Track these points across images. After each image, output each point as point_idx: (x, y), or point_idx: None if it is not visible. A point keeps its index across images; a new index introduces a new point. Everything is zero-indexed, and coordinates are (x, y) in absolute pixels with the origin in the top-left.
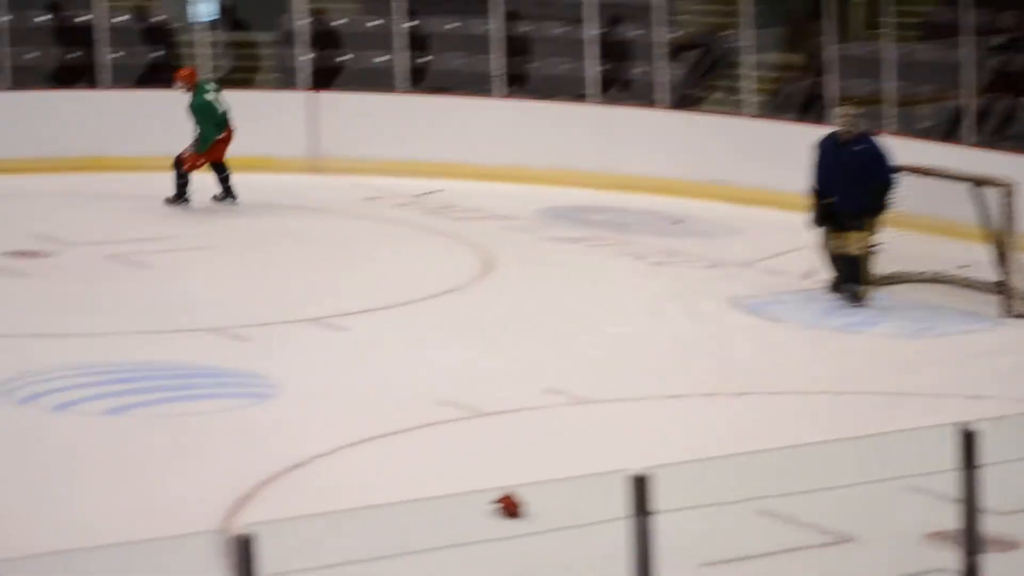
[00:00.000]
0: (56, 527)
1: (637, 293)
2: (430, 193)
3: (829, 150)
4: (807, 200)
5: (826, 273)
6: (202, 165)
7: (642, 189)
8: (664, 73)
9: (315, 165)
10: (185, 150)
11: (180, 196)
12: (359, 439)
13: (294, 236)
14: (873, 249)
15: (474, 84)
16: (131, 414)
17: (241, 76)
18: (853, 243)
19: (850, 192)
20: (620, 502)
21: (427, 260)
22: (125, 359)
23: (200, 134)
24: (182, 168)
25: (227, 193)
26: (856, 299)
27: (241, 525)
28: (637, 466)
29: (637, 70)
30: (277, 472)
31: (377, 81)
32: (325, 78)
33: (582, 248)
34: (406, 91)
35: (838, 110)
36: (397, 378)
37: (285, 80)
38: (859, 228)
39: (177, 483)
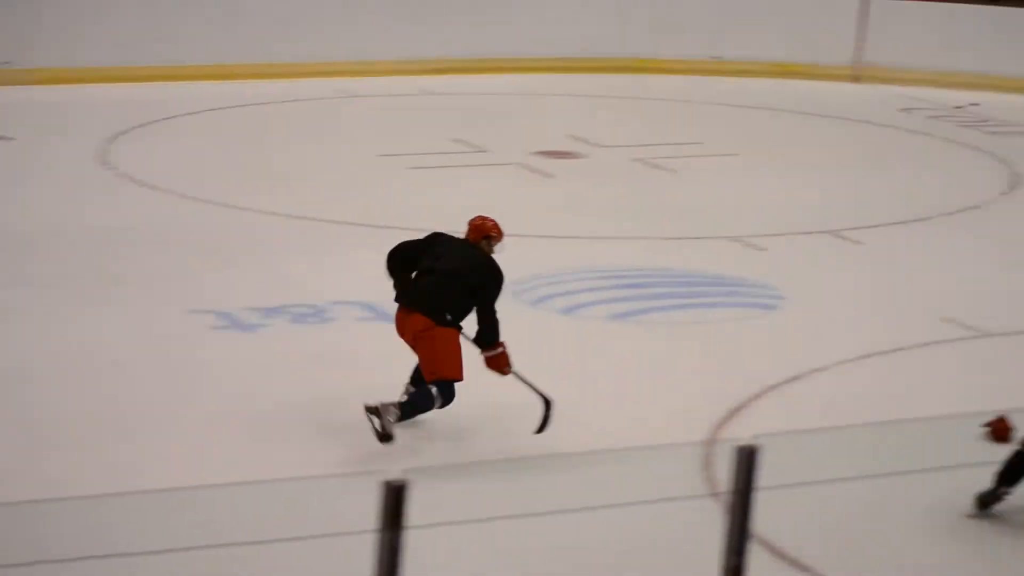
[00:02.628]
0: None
1: None
2: (967, 106)
3: None
4: None
5: None
6: None
7: None
8: None
9: (856, 74)
10: None
11: None
12: (857, 355)
13: (824, 144)
14: None
15: None
16: (635, 320)
17: None
18: None
19: None
20: None
21: (953, 174)
22: (642, 265)
23: None
24: None
25: None
26: None
27: (737, 436)
28: None
29: None
30: (771, 384)
31: None
32: None
33: None
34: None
35: None
36: (905, 294)
37: None
38: None
39: (669, 393)
